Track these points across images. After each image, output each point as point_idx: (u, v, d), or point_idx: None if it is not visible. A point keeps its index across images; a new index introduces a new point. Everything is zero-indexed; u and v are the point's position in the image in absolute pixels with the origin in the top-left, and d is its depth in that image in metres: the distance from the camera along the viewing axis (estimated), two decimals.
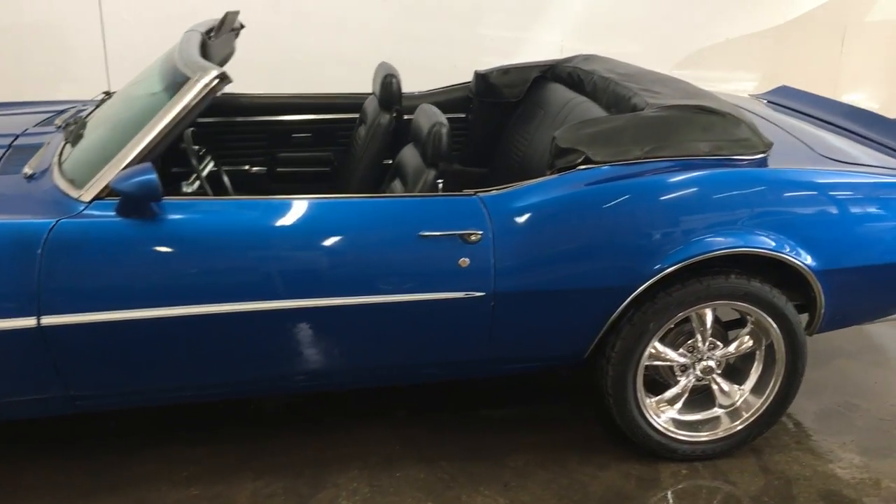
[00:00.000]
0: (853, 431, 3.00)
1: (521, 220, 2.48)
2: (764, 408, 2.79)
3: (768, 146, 2.69)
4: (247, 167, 3.82)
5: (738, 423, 2.81)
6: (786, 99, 3.81)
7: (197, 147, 3.56)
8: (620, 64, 3.48)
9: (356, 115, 3.67)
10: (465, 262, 2.44)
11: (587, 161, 2.54)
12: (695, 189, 2.56)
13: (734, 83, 7.72)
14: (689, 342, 2.76)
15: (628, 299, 2.56)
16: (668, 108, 2.71)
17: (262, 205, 2.40)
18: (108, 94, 3.27)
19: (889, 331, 3.70)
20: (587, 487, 2.69)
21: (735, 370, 2.86)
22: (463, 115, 3.84)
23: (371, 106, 3.46)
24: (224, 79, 2.41)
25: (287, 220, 2.38)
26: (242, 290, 2.32)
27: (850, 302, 2.79)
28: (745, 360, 2.84)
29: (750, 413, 2.80)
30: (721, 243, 2.52)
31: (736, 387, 2.82)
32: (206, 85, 2.38)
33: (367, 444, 2.88)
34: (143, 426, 2.95)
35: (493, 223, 2.46)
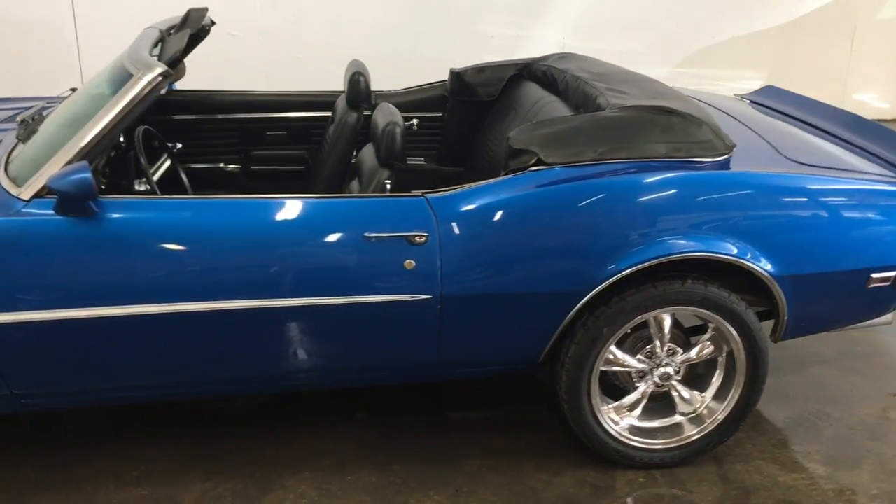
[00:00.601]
0: (821, 441, 2.93)
1: (468, 222, 2.43)
2: (724, 416, 2.72)
3: (730, 148, 2.63)
4: (221, 165, 3.81)
5: (698, 431, 2.75)
6: (770, 99, 3.73)
7: (171, 144, 3.56)
8: (597, 63, 3.42)
9: (330, 114, 3.64)
10: (410, 263, 2.40)
11: (540, 162, 2.49)
12: (648, 192, 2.50)
13: (740, 82, 7.59)
14: (648, 348, 2.70)
15: (580, 304, 2.51)
16: (627, 108, 2.65)
17: (202, 204, 2.38)
18: (74, 91, 3.27)
19: (870, 337, 3.62)
20: (539, 494, 2.64)
21: (698, 377, 2.80)
22: (440, 114, 3.80)
23: (341, 104, 3.43)
24: (167, 76, 2.38)
25: (226, 220, 2.35)
26: (179, 290, 2.30)
27: (813, 308, 2.72)
28: (708, 366, 2.78)
29: (710, 421, 2.74)
30: (674, 247, 2.47)
31: (697, 394, 2.76)
32: (149, 83, 2.36)
33: (322, 447, 2.85)
34: (99, 424, 2.94)
35: (439, 225, 2.41)
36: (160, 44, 2.84)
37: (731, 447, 2.86)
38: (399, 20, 6.91)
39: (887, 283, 2.69)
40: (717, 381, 2.75)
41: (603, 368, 2.67)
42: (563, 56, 3.56)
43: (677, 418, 2.78)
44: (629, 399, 2.75)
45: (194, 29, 3.12)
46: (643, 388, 2.73)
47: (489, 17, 7.08)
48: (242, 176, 3.81)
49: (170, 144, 3.70)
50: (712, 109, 3.22)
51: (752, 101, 3.75)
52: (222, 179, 3.78)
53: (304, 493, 2.63)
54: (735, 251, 2.50)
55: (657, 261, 2.46)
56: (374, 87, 3.79)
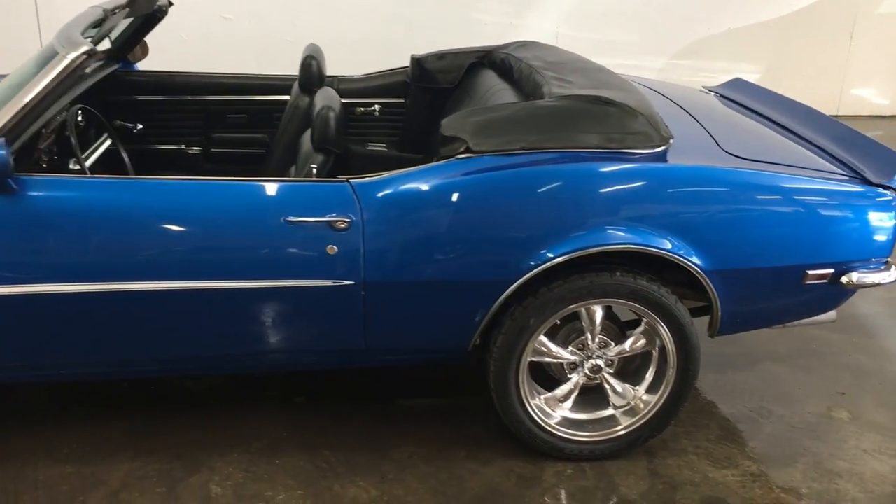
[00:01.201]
0: (759, 438, 2.90)
1: (392, 208, 2.42)
2: (655, 411, 2.70)
3: (666, 140, 2.59)
4: (183, 146, 3.81)
5: (629, 424, 2.73)
6: (737, 93, 3.69)
7: (131, 125, 3.57)
8: (555, 51, 3.39)
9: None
10: (332, 249, 2.40)
11: (469, 150, 2.47)
12: (576, 182, 2.48)
13: (737, 75, 7.51)
14: (580, 339, 2.68)
15: (505, 294, 2.49)
16: (564, 98, 2.63)
17: (125, 185, 2.39)
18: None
19: (825, 335, 3.58)
20: (465, 483, 2.64)
21: (636, 370, 2.78)
22: (402, 101, 3.79)
23: (295, 88, 3.42)
24: (92, 55, 2.39)
25: (149, 201, 2.36)
26: (94, 269, 2.30)
27: (748, 304, 2.69)
28: (644, 360, 2.76)
29: (641, 415, 2.72)
30: (598, 239, 2.45)
31: (630, 387, 2.74)
32: (73, 61, 2.36)
33: (256, 429, 2.86)
34: (42, 402, 2.97)
35: (363, 211, 2.40)
36: (102, 23, 2.83)
37: (665, 441, 2.84)
38: (391, 5, 6.89)
39: (825, 281, 2.65)
40: (650, 375, 2.73)
41: (534, 359, 2.66)
42: (524, 44, 3.54)
43: (609, 411, 2.76)
44: (561, 390, 2.73)
45: (143, 10, 3.12)
46: (575, 379, 2.72)
47: (482, 4, 7.04)
48: (203, 158, 3.82)
49: (130, 125, 3.72)
50: (663, 101, 3.20)
51: (719, 95, 3.71)
52: (183, 161, 3.79)
53: (229, 475, 2.64)
54: (662, 244, 2.47)
55: (580, 252, 2.44)
56: (357, 71, 3.80)
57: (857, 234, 2.64)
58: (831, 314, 2.91)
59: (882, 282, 2.71)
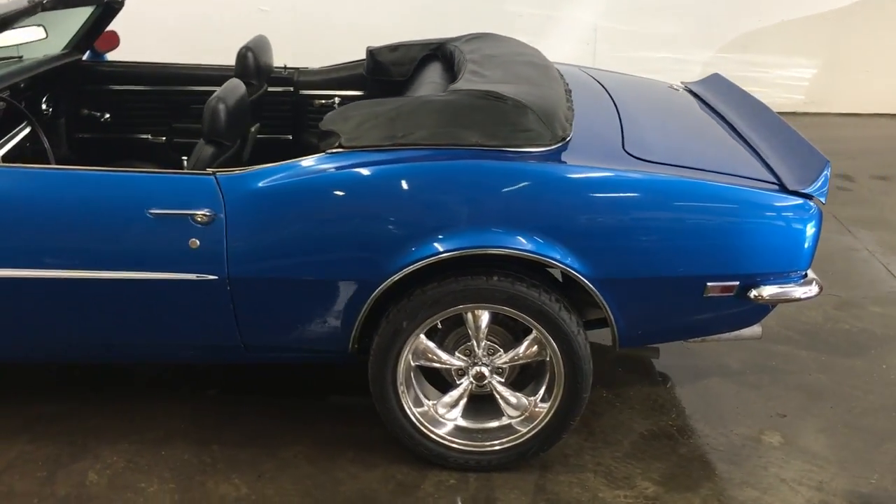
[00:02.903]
0: (670, 458, 2.71)
1: (258, 202, 2.38)
2: (543, 425, 2.56)
3: (557, 139, 2.44)
4: (148, 136, 3.87)
5: (517, 436, 2.60)
6: (709, 89, 3.46)
7: (98, 114, 3.64)
8: (503, 44, 3.28)
9: None
10: (195, 243, 2.37)
11: (341, 145, 2.40)
12: (445, 181, 2.37)
13: (790, 69, 7.15)
14: (468, 345, 2.57)
15: (373, 295, 2.41)
16: (454, 92, 2.53)
17: None
18: None
19: (792, 351, 3.33)
20: (339, 487, 2.57)
21: (533, 380, 2.65)
22: (361, 93, 3.73)
23: None
24: None
25: (15, 188, 2.39)
26: None
27: (647, 315, 2.52)
28: (540, 370, 2.62)
29: (529, 428, 2.59)
30: (464, 242, 2.33)
31: (524, 397, 2.61)
32: None
33: (154, 419, 2.87)
34: None
35: (227, 204, 2.37)
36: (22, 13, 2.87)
37: (567, 456, 2.70)
38: None
39: (730, 294, 2.45)
40: (544, 386, 2.59)
41: (421, 363, 2.57)
42: (477, 36, 3.43)
43: (501, 421, 2.63)
44: (450, 396, 2.62)
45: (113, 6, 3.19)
46: (464, 385, 2.61)
47: None
48: (168, 148, 3.86)
49: (97, 114, 3.80)
50: (597, 96, 3.03)
51: (690, 91, 3.49)
52: (147, 151, 3.84)
53: (112, 464, 2.65)
54: (537, 249, 2.33)
55: (446, 256, 2.33)
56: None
57: (767, 244, 2.43)
58: (756, 330, 2.70)
59: (802, 297, 2.49)
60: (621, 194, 2.38)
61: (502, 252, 2.34)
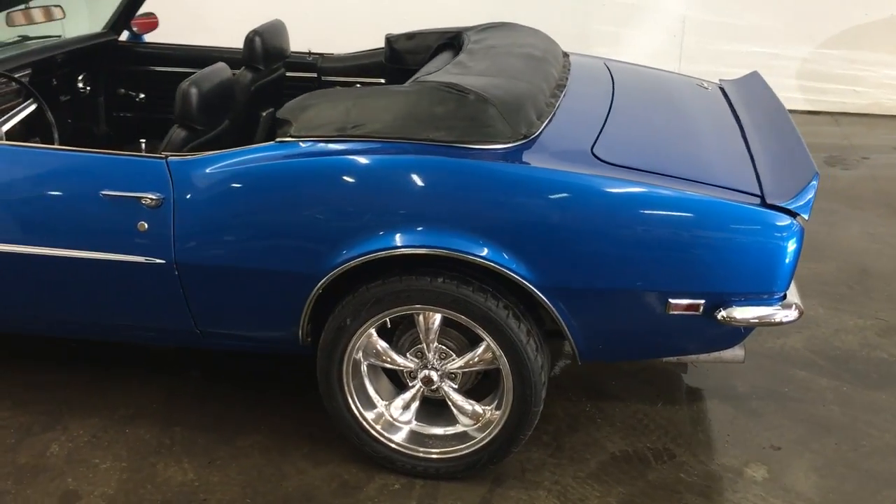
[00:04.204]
0: (635, 484, 2.53)
1: (204, 188, 2.36)
2: (491, 437, 2.44)
3: (518, 137, 2.30)
4: None
5: (467, 446, 2.48)
6: (741, 89, 3.22)
7: (135, 94, 3.73)
8: (514, 34, 3.16)
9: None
10: (143, 226, 2.38)
11: (290, 134, 2.35)
12: (388, 177, 2.28)
13: None
14: (418, 347, 2.47)
15: (317, 288, 2.34)
16: (416, 84, 2.43)
17: None
18: None
19: (812, 377, 3.04)
20: (283, 481, 2.53)
21: (489, 388, 2.53)
22: (382, 81, 3.67)
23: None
24: None
25: None
26: None
27: (605, 329, 2.35)
28: (496, 378, 2.49)
29: (478, 439, 2.47)
30: (405, 241, 2.23)
31: (477, 406, 2.49)
32: None
33: (129, 397, 2.91)
34: None
35: (175, 189, 2.36)
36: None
37: (526, 469, 2.57)
38: None
39: (696, 313, 2.24)
40: (495, 395, 2.46)
41: (373, 362, 2.49)
42: (492, 26, 3.31)
43: (455, 429, 2.53)
44: (401, 399, 2.54)
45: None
46: (416, 388, 2.51)
47: None
48: None
49: (133, 94, 3.90)
50: (598, 92, 2.85)
51: (721, 90, 3.25)
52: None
53: (75, 438, 2.71)
54: (479, 251, 2.21)
55: (385, 253, 2.24)
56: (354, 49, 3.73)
57: (737, 261, 2.21)
58: (738, 353, 2.47)
59: (782, 320, 2.26)
60: (573, 199, 2.21)
61: (439, 253, 2.22)
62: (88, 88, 3.82)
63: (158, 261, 2.39)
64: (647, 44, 6.70)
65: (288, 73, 3.68)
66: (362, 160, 2.28)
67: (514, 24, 3.37)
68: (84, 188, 2.41)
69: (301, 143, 2.32)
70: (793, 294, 2.29)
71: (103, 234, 2.42)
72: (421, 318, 2.40)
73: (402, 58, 3.48)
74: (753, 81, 3.24)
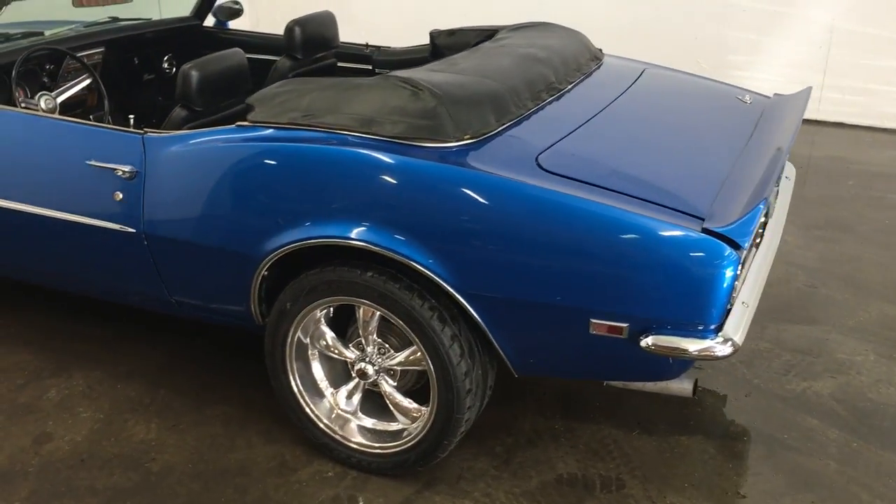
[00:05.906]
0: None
1: (169, 164, 2.50)
2: (418, 439, 2.41)
3: (463, 137, 2.26)
4: None
5: (397, 444, 2.47)
6: (785, 105, 2.99)
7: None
8: (539, 34, 3.14)
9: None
10: (118, 196, 2.55)
11: (250, 119, 2.44)
12: (320, 168, 2.31)
13: None
14: (360, 339, 2.49)
15: (258, 269, 2.42)
16: (381, 78, 2.47)
17: None
18: None
19: (823, 427, 2.75)
20: (229, 453, 2.63)
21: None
22: None
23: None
24: None
25: None
26: None
27: (531, 344, 2.26)
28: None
29: (407, 438, 2.45)
30: (329, 231, 2.26)
31: (412, 404, 2.47)
32: None
33: (135, 356, 3.12)
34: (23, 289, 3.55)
35: (146, 163, 2.51)
36: None
37: (462, 477, 2.52)
38: None
39: (620, 336, 2.11)
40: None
41: (320, 349, 2.54)
42: (528, 25, 3.31)
43: (398, 426, 2.52)
44: (344, 388, 2.57)
45: None
46: (356, 379, 2.53)
47: None
48: None
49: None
50: (593, 97, 2.74)
51: (761, 104, 3.03)
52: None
53: (73, 387, 2.95)
54: (396, 247, 2.19)
55: (310, 242, 2.28)
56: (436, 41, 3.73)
57: (663, 286, 2.05)
58: (684, 386, 2.30)
59: (714, 354, 2.07)
60: (495, 204, 2.13)
61: (357, 246, 2.23)
62: (173, 69, 4.11)
63: (130, 230, 2.56)
64: (788, 54, 6.26)
65: (342, 64, 3.78)
66: (304, 149, 2.32)
67: (551, 24, 3.30)
68: (73, 156, 2.62)
69: (259, 129, 2.40)
70: (734, 329, 2.09)
71: (86, 200, 2.63)
72: (360, 311, 2.41)
73: (443, 53, 3.48)
74: (798, 99, 2.98)
